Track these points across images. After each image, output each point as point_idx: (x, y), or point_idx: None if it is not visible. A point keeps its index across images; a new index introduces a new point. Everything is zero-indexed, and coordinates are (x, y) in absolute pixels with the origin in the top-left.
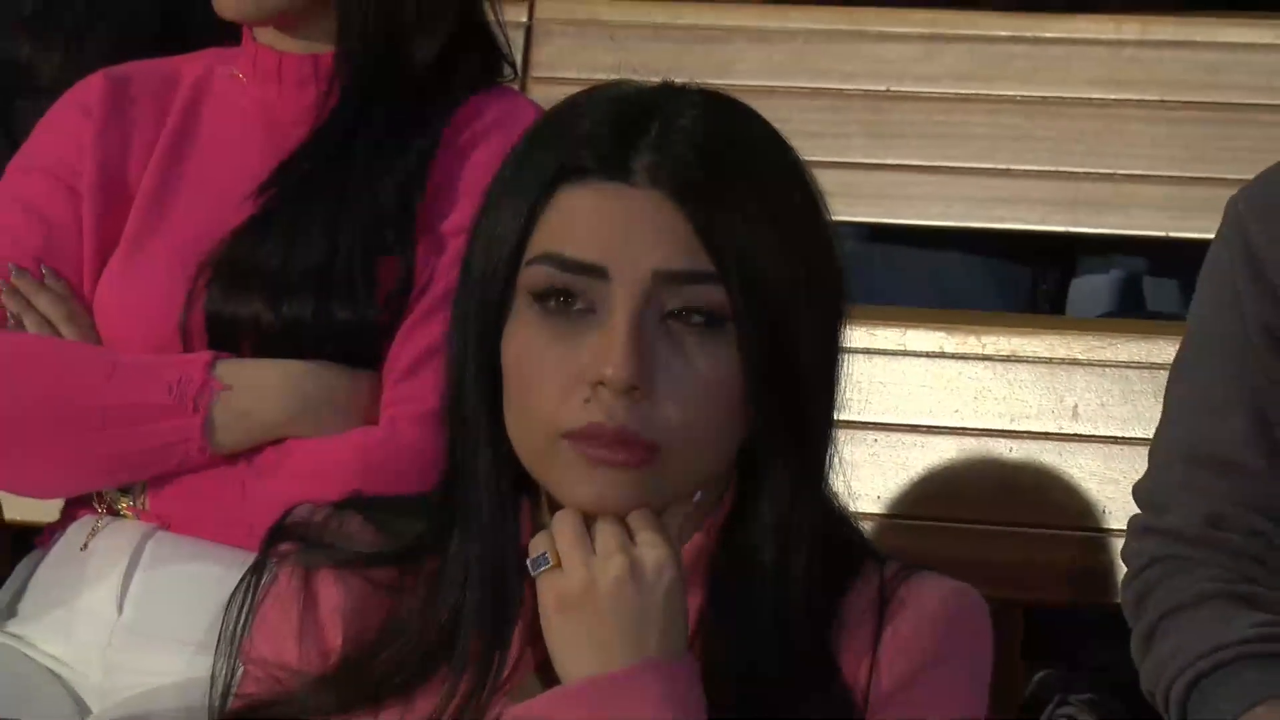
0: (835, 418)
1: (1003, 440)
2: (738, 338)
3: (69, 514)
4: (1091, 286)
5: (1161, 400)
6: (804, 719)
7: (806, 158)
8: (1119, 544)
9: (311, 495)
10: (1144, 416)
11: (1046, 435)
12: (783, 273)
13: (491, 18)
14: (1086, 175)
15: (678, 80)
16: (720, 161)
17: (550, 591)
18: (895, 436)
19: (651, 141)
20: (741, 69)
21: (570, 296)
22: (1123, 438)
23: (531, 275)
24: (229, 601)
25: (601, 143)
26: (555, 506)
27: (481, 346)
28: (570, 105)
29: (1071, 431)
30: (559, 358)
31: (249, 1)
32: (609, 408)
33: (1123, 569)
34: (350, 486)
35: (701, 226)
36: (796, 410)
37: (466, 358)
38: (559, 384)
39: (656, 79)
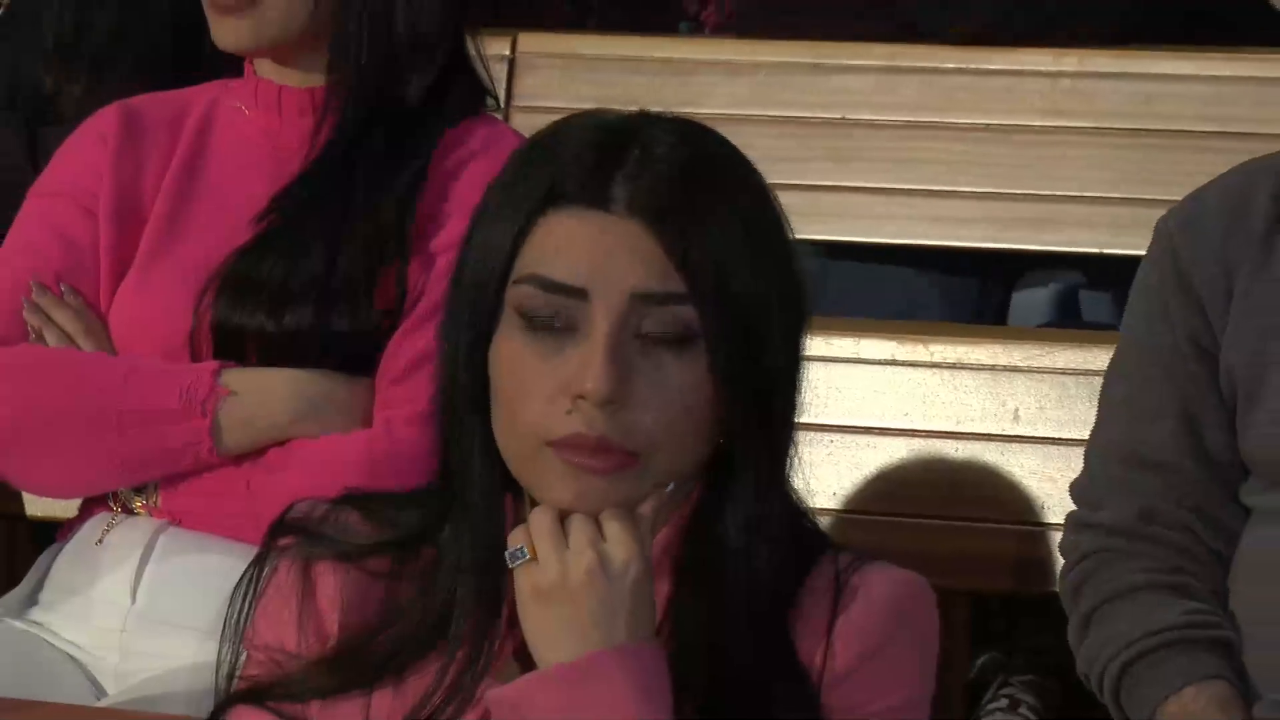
0: (796, 421)
1: (949, 441)
2: (708, 353)
3: (86, 511)
4: (1031, 299)
5: (1096, 404)
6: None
7: (771, 180)
8: (1057, 537)
9: (312, 492)
10: (1080, 419)
11: (989, 436)
12: (750, 292)
13: (475, 52)
14: (1028, 196)
15: (654, 109)
16: (693, 189)
17: (526, 583)
18: (850, 438)
19: (630, 170)
20: (711, 99)
21: (554, 314)
22: (1060, 439)
23: (518, 294)
24: (234, 591)
25: (583, 172)
26: (538, 502)
27: (471, 357)
28: (554, 132)
29: (1013, 433)
30: (544, 371)
31: (244, 34)
32: (590, 418)
33: (1060, 560)
34: (348, 484)
35: (675, 251)
36: (762, 416)
37: (458, 367)
38: (544, 395)
39: (634, 108)
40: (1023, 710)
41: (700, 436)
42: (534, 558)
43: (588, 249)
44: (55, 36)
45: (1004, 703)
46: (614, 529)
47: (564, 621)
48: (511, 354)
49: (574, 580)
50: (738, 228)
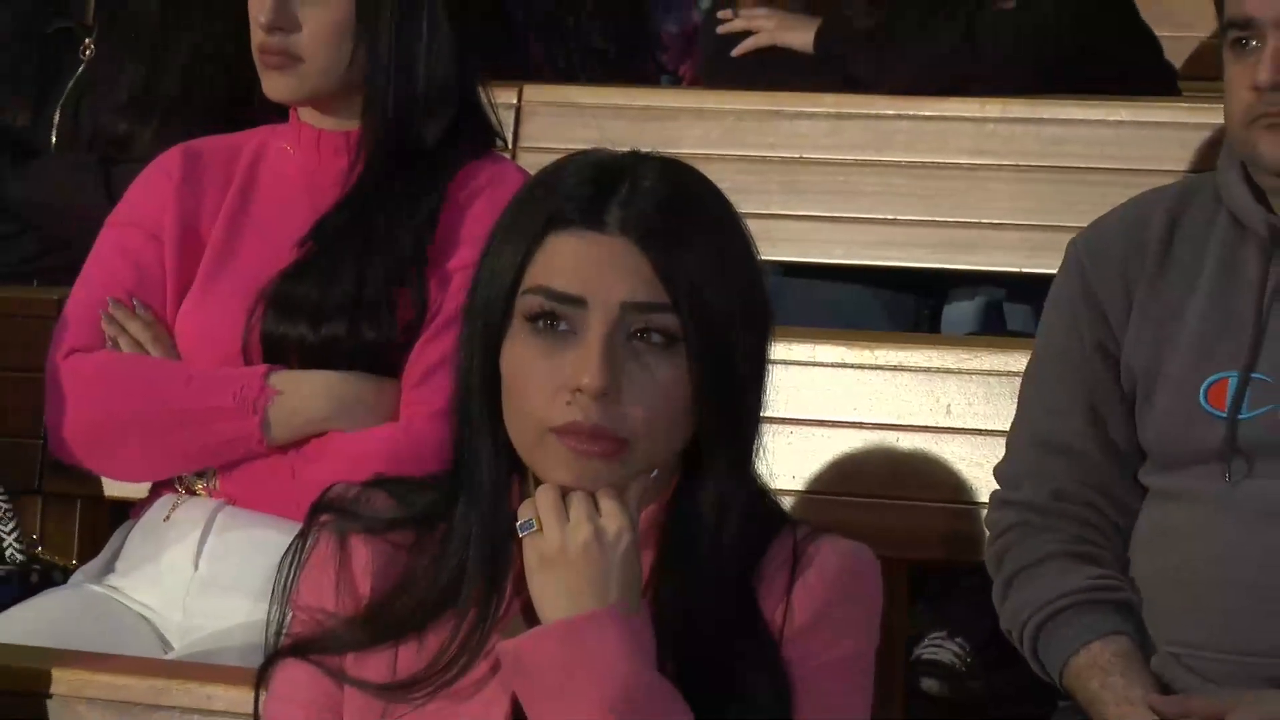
0: (762, 415)
1: (891, 432)
2: (688, 355)
3: (155, 492)
4: (961, 311)
5: (1016, 400)
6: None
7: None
8: (983, 513)
9: (346, 477)
10: (1003, 413)
11: (926, 428)
12: (723, 304)
13: (486, 101)
14: (957, 224)
15: (643, 149)
16: (675, 215)
17: (533, 550)
18: (807, 429)
19: (622, 199)
20: (685, 140)
21: (556, 320)
22: (986, 430)
23: (526, 303)
24: (281, 560)
25: (582, 199)
26: (539, 481)
27: (485, 359)
28: (557, 167)
29: (945, 425)
30: (547, 369)
31: (290, 86)
32: (586, 408)
33: (986, 533)
34: (377, 470)
35: (660, 267)
36: (733, 411)
37: (473, 368)
38: (547, 389)
39: (626, 148)
40: (958, 639)
41: (679, 426)
42: (540, 529)
43: (585, 264)
44: (129, 91)
45: (942, 633)
46: (607, 505)
47: (564, 584)
48: (519, 354)
49: (573, 549)
50: (713, 249)
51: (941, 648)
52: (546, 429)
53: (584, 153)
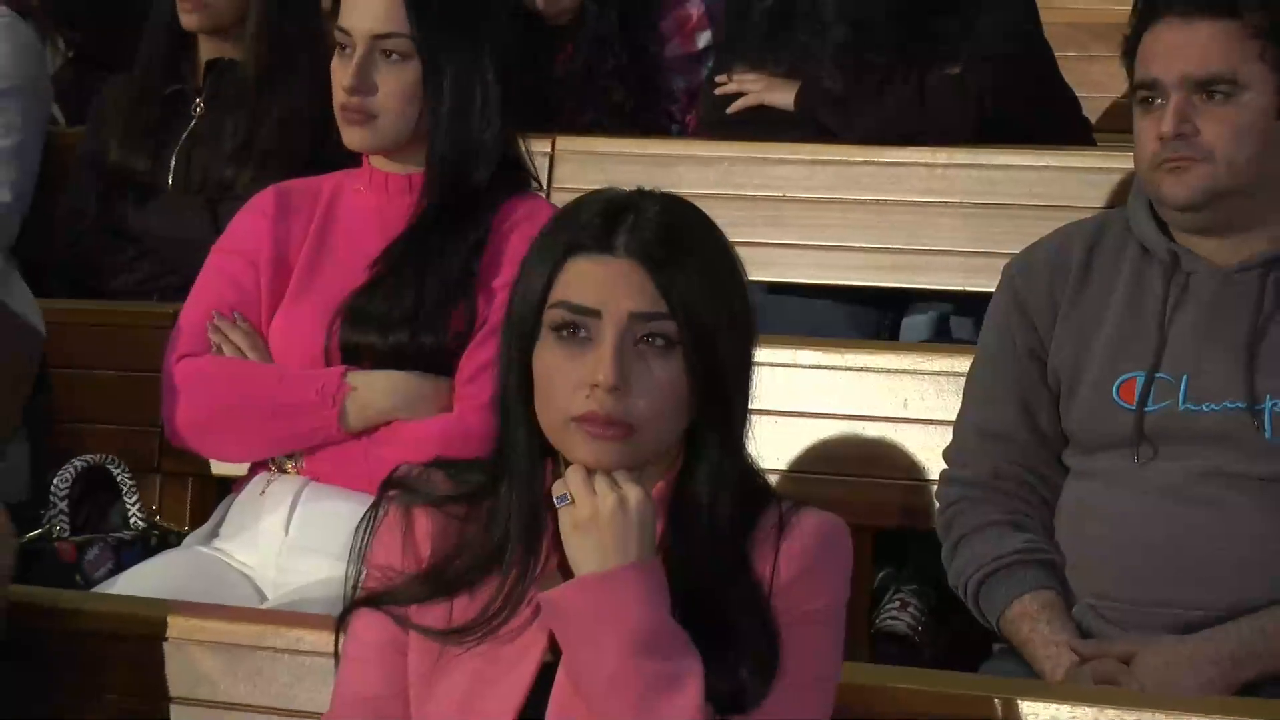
0: (750, 407)
1: (858, 422)
2: (684, 356)
3: (253, 471)
4: (916, 322)
5: (961, 395)
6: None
7: (729, 238)
8: (934, 488)
9: (409, 459)
10: (950, 407)
11: (887, 418)
12: (713, 313)
13: (523, 149)
14: (912, 250)
15: (647, 187)
16: (672, 240)
17: (568, 517)
18: (789, 420)
19: (628, 227)
20: (688, 182)
21: (576, 329)
22: (937, 420)
23: (552, 315)
24: (357, 528)
25: (595, 229)
26: (569, 463)
27: (520, 363)
28: (575, 204)
29: (903, 416)
30: (570, 369)
31: (366, 138)
32: (601, 400)
33: (936, 505)
34: (434, 453)
35: (661, 283)
36: (723, 403)
37: (510, 370)
38: (570, 385)
39: (632, 186)
40: (910, 609)
41: (678, 415)
42: (573, 501)
43: (599, 282)
44: (232, 142)
45: (897, 603)
46: (625, 480)
47: (594, 544)
48: (547, 358)
49: (602, 515)
50: (704, 268)
51: (898, 619)
52: (570, 418)
53: (597, 191)
